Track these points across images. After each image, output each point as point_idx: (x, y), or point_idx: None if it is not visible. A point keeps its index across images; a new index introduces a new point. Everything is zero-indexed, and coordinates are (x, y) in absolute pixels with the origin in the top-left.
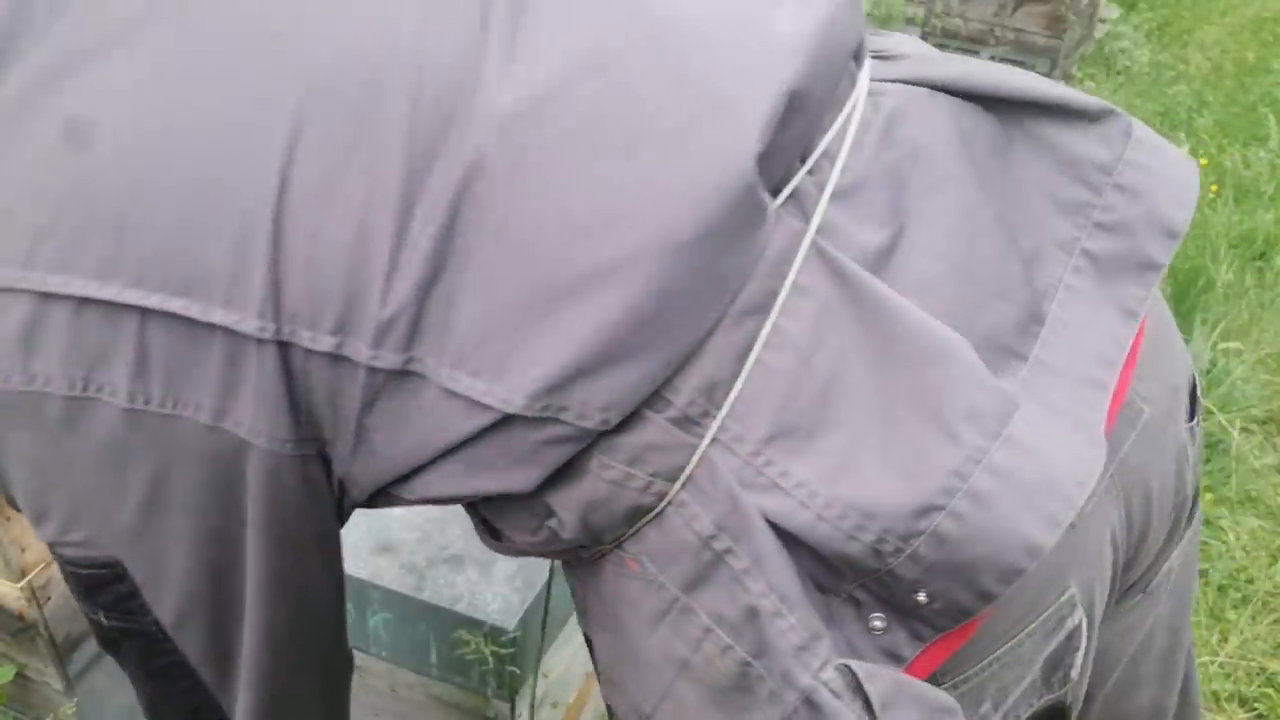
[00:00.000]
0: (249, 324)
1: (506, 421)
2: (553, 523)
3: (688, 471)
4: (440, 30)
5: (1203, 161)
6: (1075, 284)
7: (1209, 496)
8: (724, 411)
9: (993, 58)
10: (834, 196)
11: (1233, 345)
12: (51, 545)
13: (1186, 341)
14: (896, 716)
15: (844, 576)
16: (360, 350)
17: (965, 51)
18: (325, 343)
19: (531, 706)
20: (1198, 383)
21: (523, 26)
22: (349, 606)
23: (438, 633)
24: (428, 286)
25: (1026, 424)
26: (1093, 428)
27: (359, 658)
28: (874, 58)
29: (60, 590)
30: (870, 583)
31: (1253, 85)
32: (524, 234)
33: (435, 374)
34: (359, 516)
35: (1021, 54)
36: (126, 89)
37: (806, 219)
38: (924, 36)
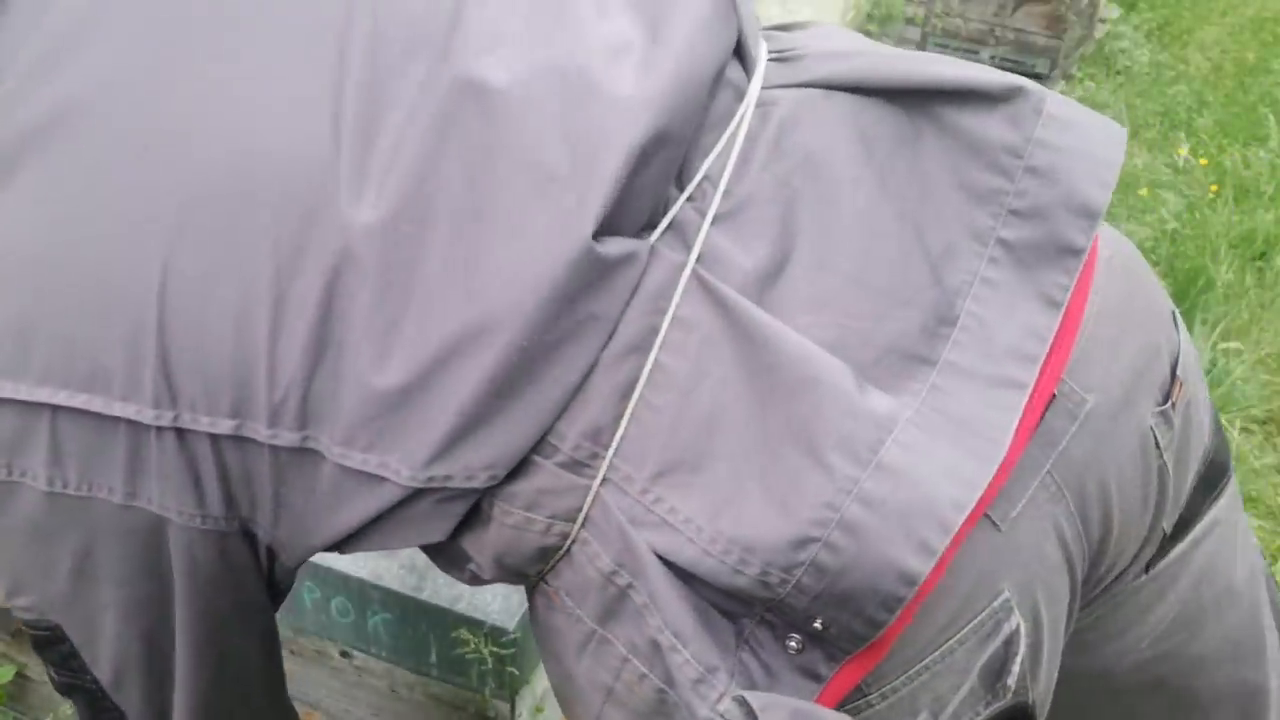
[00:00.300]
0: (147, 414)
1: (403, 490)
2: (472, 566)
3: (584, 512)
4: (298, 144)
5: (1202, 161)
6: (992, 276)
7: None
8: (611, 452)
9: (993, 58)
10: (717, 220)
11: (1233, 345)
12: (6, 606)
13: None
14: None
15: (749, 604)
16: (259, 430)
17: (965, 51)
18: (225, 425)
19: (532, 707)
20: (1184, 361)
21: (372, 138)
22: (349, 606)
23: (438, 633)
24: (310, 371)
25: (901, 447)
26: (998, 432)
27: (359, 658)
28: (773, 59)
29: None
30: (772, 610)
31: (1253, 85)
32: (392, 318)
33: (329, 451)
34: None
35: (1021, 54)
36: (25, 203)
37: (688, 249)
38: (924, 36)
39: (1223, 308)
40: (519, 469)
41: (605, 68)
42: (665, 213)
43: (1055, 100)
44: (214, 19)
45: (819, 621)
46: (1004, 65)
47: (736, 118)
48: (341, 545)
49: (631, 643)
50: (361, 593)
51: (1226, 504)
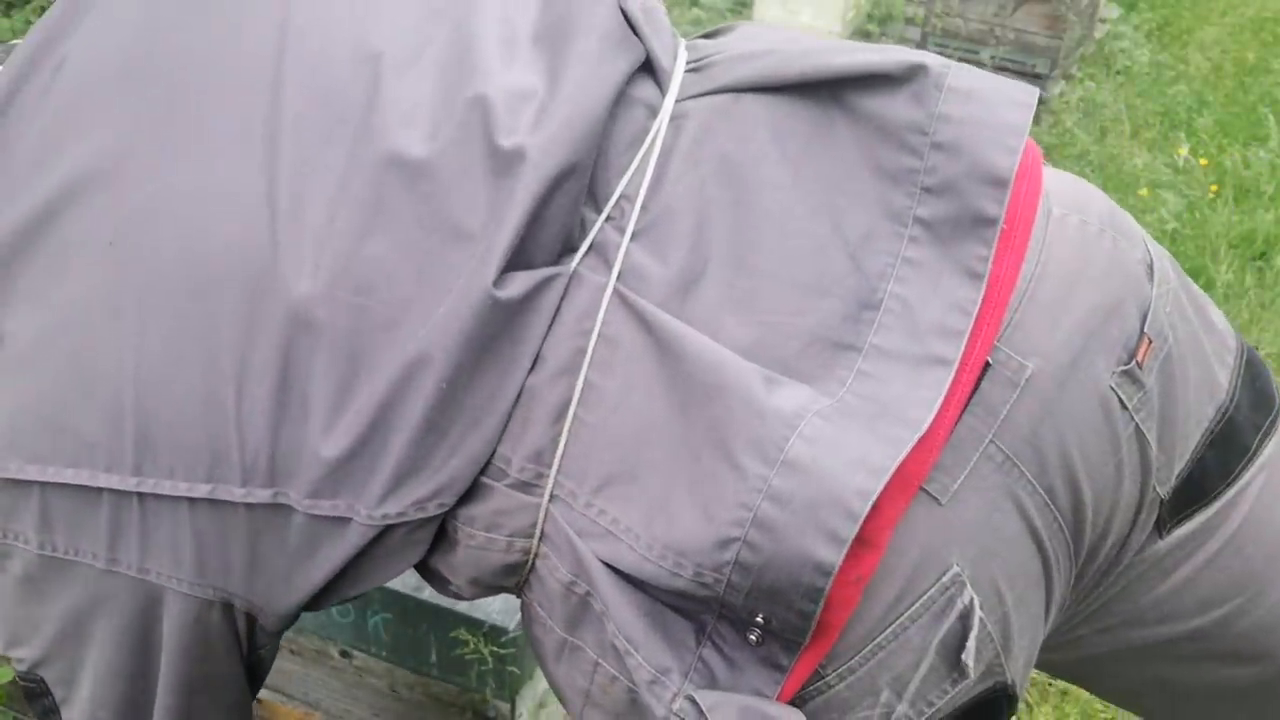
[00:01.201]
0: (129, 482)
1: (369, 529)
2: (452, 586)
3: (539, 528)
4: (239, 229)
5: (1202, 161)
6: (913, 256)
7: None
8: (554, 471)
9: (993, 58)
10: (636, 236)
11: None
12: (4, 656)
13: None
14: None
15: (702, 603)
16: (233, 491)
17: (965, 51)
18: (201, 490)
19: (533, 706)
20: (1157, 316)
21: (305, 217)
22: (349, 606)
23: (438, 633)
24: (275, 431)
25: (807, 442)
26: (920, 410)
27: (359, 658)
28: (689, 70)
29: None
30: (722, 607)
31: (1253, 85)
32: (345, 377)
33: (299, 504)
34: None
35: (1021, 54)
36: (21, 303)
37: (609, 267)
38: (924, 36)
39: (1223, 308)
40: (475, 493)
41: (510, 120)
42: (585, 235)
43: (958, 72)
44: (165, 119)
45: (760, 616)
46: (1004, 65)
47: (650, 135)
48: (320, 598)
49: (600, 647)
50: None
51: (1273, 457)
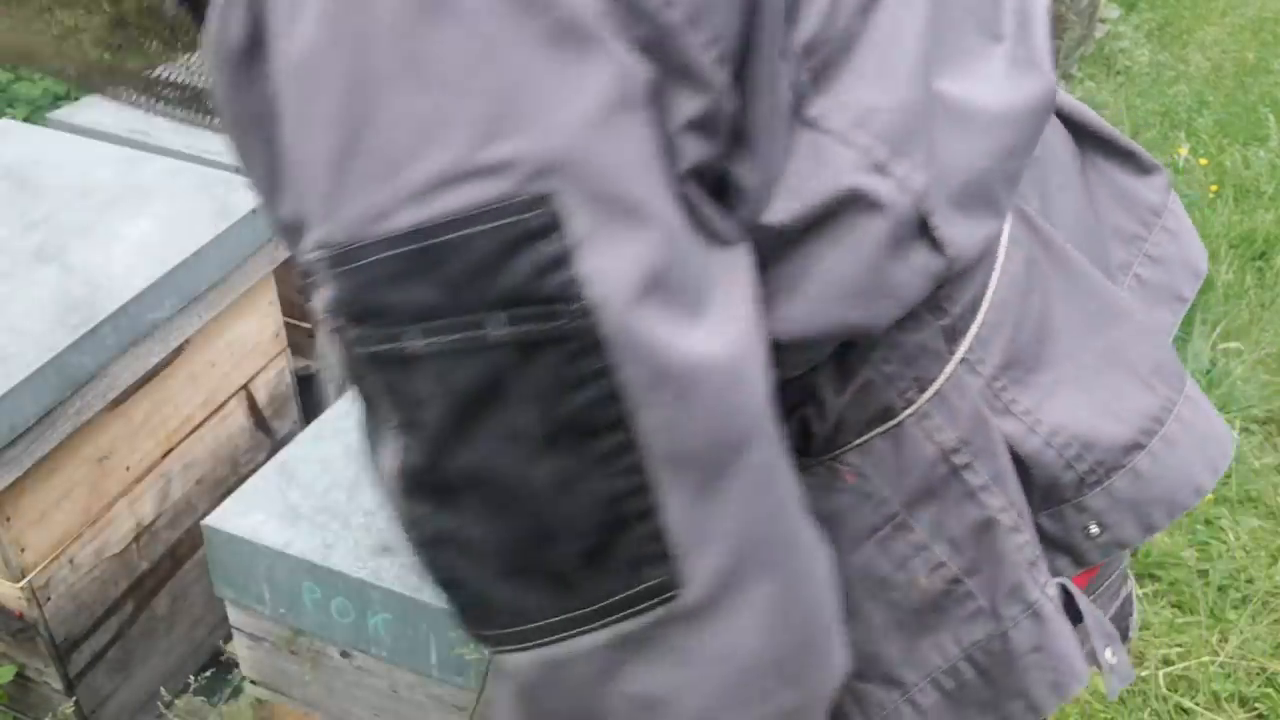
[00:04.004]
0: None
1: (880, 210)
2: (809, 410)
3: (938, 384)
4: None
5: (1202, 161)
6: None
7: (1209, 496)
8: (973, 332)
9: None
10: None
11: (1233, 345)
12: (431, 194)
13: (1186, 341)
14: (1093, 633)
15: (1035, 506)
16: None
17: None
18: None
19: None
20: None
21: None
22: (349, 606)
23: (438, 633)
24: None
25: (1193, 385)
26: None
27: (359, 658)
28: None
29: (60, 590)
30: (1053, 513)
31: (1253, 85)
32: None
33: (839, 130)
34: (359, 516)
35: None
36: None
37: None
38: None
39: (1223, 308)
40: (909, 320)
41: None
42: None
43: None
44: None
45: (1096, 525)
46: None
47: None
48: (791, 274)
49: (940, 528)
50: (361, 593)
51: None
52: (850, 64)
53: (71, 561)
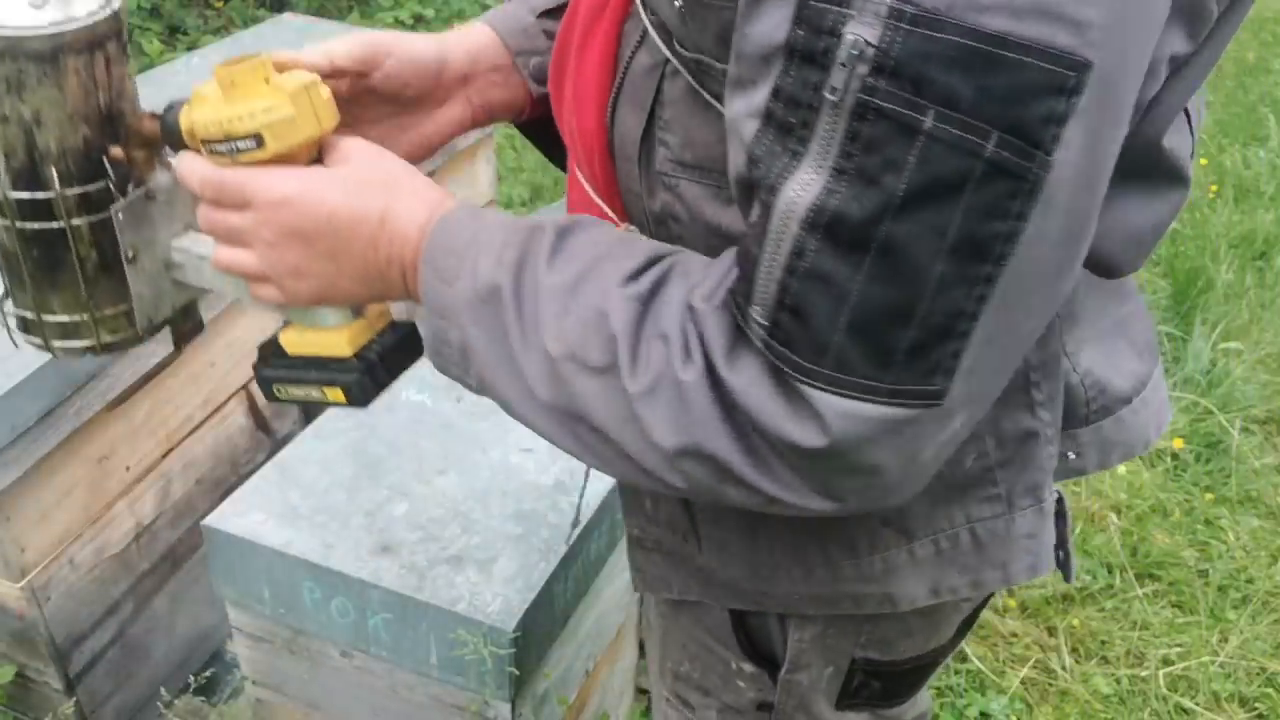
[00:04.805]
0: None
1: None
2: None
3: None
4: None
5: (1203, 161)
6: None
7: (1209, 496)
8: None
9: None
10: None
11: (1233, 345)
12: (1026, 17)
13: (1186, 341)
14: (1066, 537)
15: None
16: None
17: None
18: None
19: (532, 706)
20: None
21: None
22: (349, 606)
23: (438, 633)
24: None
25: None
26: None
27: (359, 658)
28: None
29: (60, 590)
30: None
31: (1253, 85)
32: None
33: None
34: (359, 516)
35: None
36: None
37: None
38: None
39: (1223, 308)
40: None
41: None
42: None
43: None
44: None
45: (1073, 454)
46: None
47: None
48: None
49: (996, 425)
50: (361, 593)
51: None
52: None
53: (71, 561)
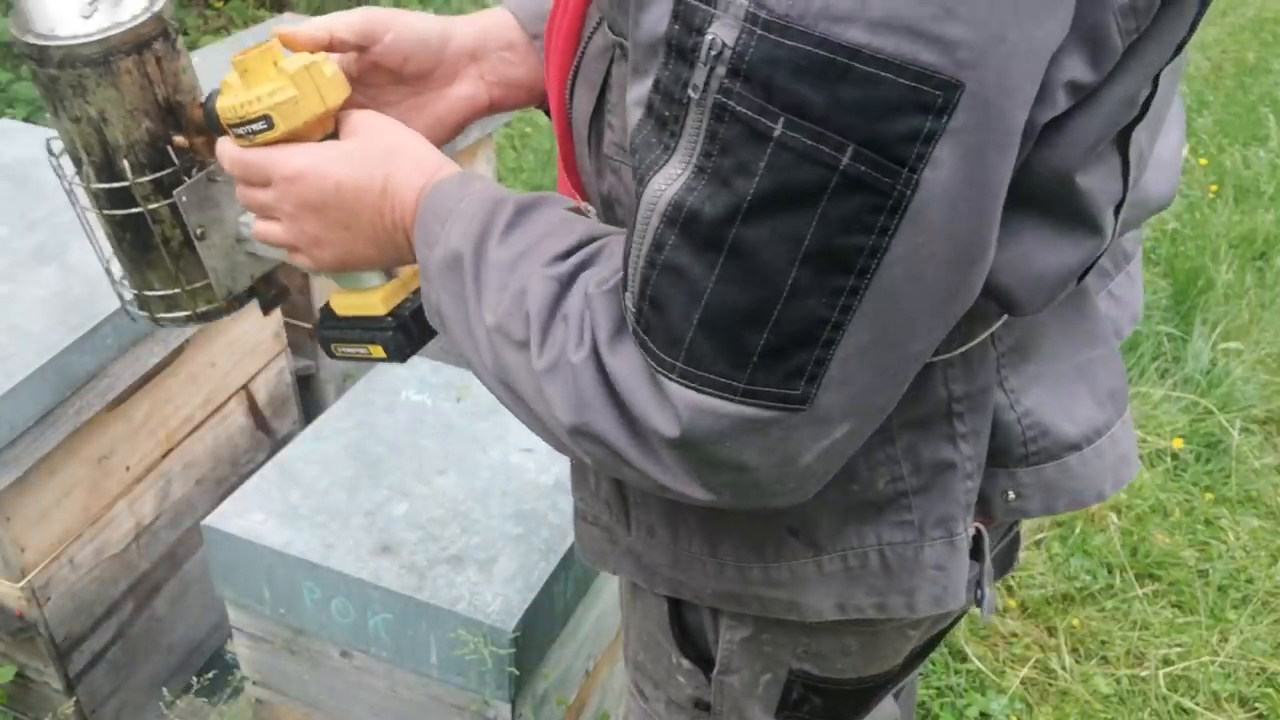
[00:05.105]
0: None
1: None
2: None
3: (973, 344)
4: None
5: (1202, 161)
6: None
7: (1209, 496)
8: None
9: None
10: None
11: (1233, 345)
12: (884, 30)
13: (1185, 341)
14: (985, 573)
15: (992, 477)
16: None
17: None
18: None
19: (532, 707)
20: None
21: None
22: (349, 606)
23: (438, 633)
24: None
25: (1123, 423)
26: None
27: (359, 658)
28: None
29: (60, 590)
30: (989, 472)
31: (1253, 85)
32: None
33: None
34: (359, 516)
35: None
36: None
37: None
38: None
39: (1223, 308)
40: None
41: None
42: None
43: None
44: None
45: (1013, 493)
46: None
47: None
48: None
49: (914, 452)
50: (361, 593)
51: None
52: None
53: (71, 561)
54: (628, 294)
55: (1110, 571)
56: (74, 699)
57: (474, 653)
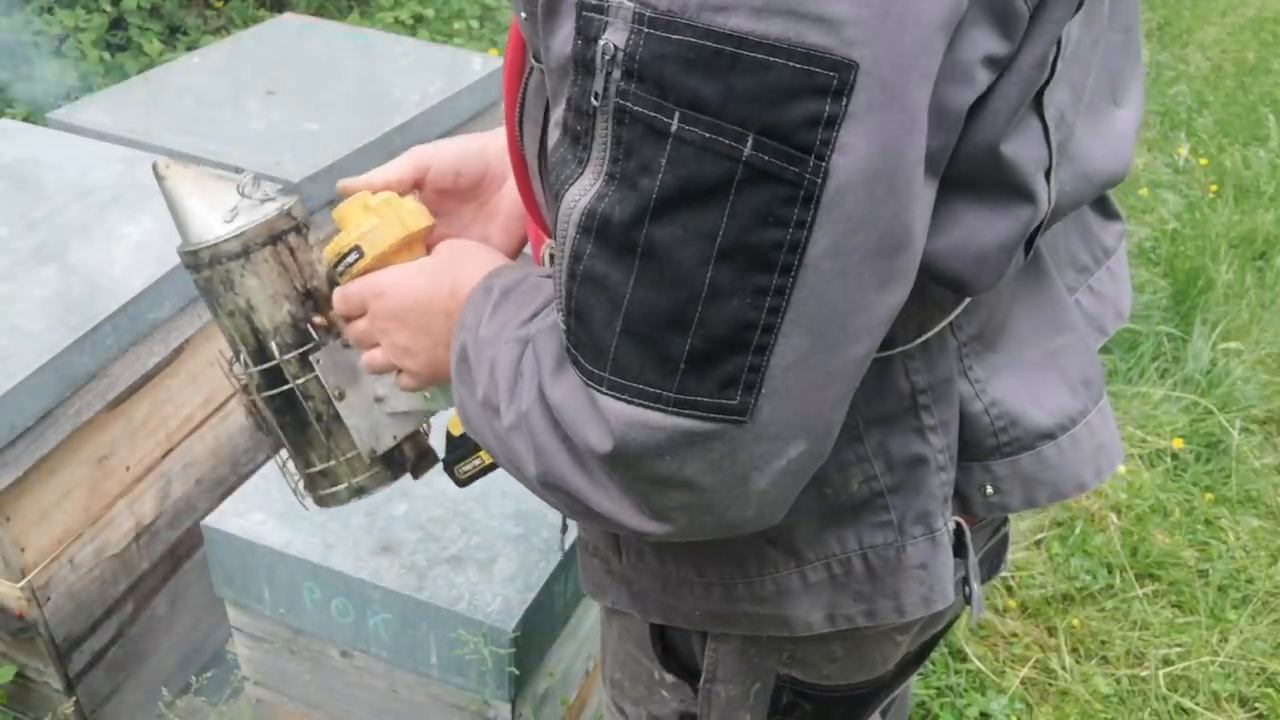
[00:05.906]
0: None
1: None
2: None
3: (931, 334)
4: None
5: (1202, 161)
6: None
7: (1209, 496)
8: (965, 302)
9: None
10: None
11: (1233, 345)
12: (767, 14)
13: (1185, 341)
14: (970, 569)
15: (967, 470)
16: None
17: None
18: None
19: (532, 707)
20: None
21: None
22: (349, 606)
23: (438, 633)
24: None
25: (1100, 409)
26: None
27: (359, 658)
28: None
29: (60, 590)
30: (964, 467)
31: (1253, 85)
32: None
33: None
34: (359, 516)
35: None
36: None
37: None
38: None
39: (1223, 308)
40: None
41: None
42: None
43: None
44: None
45: (992, 488)
46: None
47: None
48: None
49: (884, 450)
50: (361, 593)
51: None
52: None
53: (71, 561)
54: (559, 313)
55: (1110, 571)
56: (74, 699)
57: (474, 653)
